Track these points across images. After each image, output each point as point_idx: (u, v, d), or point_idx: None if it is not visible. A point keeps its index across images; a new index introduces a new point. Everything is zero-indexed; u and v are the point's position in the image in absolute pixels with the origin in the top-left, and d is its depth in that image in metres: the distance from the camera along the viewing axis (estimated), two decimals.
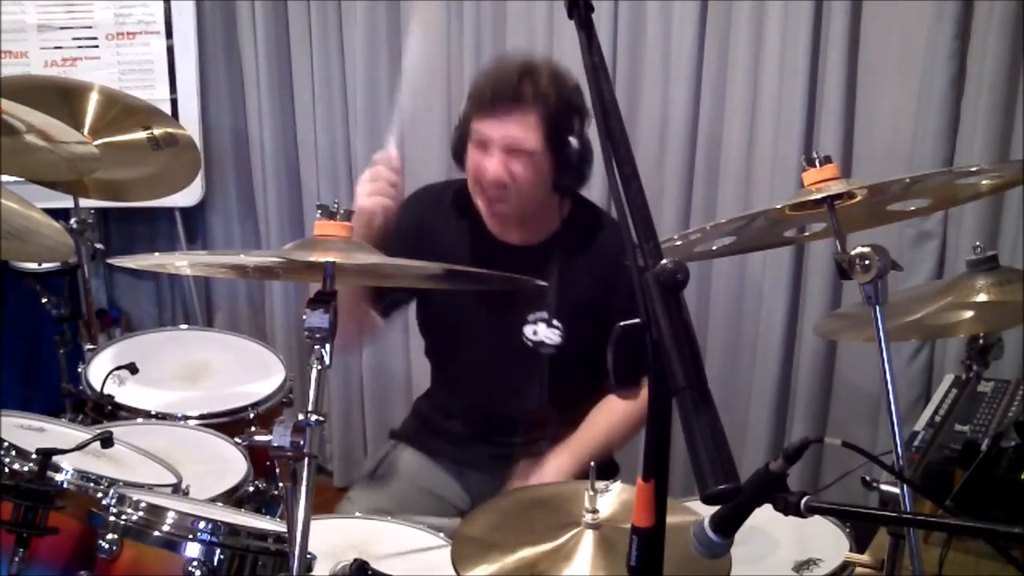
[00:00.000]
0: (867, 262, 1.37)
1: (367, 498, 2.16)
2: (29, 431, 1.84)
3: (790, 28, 2.41)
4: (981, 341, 1.86)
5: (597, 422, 2.11)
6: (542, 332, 2.10)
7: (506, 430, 2.16)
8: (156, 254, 2.09)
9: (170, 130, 2.49)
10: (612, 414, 2.11)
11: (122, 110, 2.46)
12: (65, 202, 2.55)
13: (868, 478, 1.41)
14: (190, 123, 3.15)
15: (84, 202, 2.56)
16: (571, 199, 2.15)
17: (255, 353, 2.52)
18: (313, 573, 1.57)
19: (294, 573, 1.38)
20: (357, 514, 2.01)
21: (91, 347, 2.49)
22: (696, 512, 1.51)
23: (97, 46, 3.18)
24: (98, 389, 2.20)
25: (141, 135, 2.45)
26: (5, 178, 1.92)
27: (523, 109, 1.96)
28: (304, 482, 1.37)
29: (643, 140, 2.65)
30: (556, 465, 2.04)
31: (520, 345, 2.11)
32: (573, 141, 1.99)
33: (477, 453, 2.21)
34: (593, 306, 2.07)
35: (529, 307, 2.10)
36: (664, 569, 0.95)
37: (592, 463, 1.56)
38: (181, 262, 1.95)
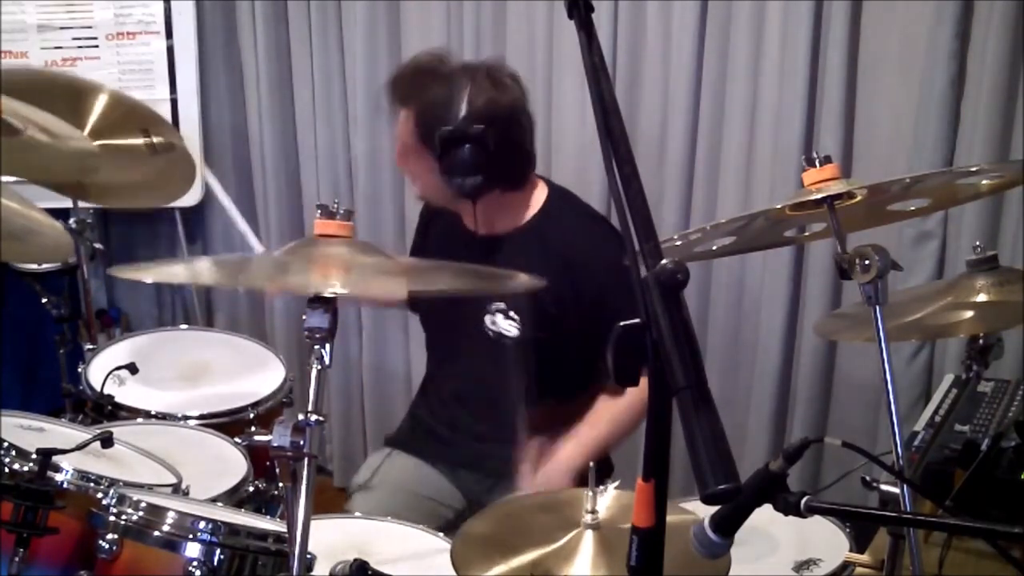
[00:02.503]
0: (867, 262, 1.37)
1: (365, 508, 2.15)
2: (29, 431, 1.84)
3: (790, 28, 2.41)
4: (981, 341, 1.87)
5: (601, 412, 2.10)
6: (500, 323, 2.11)
7: (486, 424, 2.17)
8: (150, 279, 2.12)
9: (171, 139, 2.49)
10: (616, 403, 2.11)
11: (125, 114, 2.46)
12: (65, 202, 2.54)
13: (868, 478, 1.42)
14: (190, 123, 3.15)
15: (83, 202, 2.56)
16: (549, 190, 2.18)
17: (255, 353, 2.52)
18: (313, 573, 1.57)
19: (294, 573, 1.38)
20: (357, 514, 2.02)
21: (91, 347, 2.49)
22: (695, 512, 1.51)
23: (97, 46, 3.18)
24: (98, 389, 2.20)
25: (139, 141, 2.44)
26: (5, 178, 1.92)
27: (404, 103, 2.06)
28: (304, 482, 1.38)
29: (643, 140, 2.64)
30: (565, 456, 2.03)
31: (484, 336, 2.12)
32: (454, 142, 1.99)
33: (467, 452, 2.23)
34: (551, 300, 2.07)
35: (489, 298, 2.12)
36: (664, 569, 0.95)
37: (591, 463, 1.56)
38: (185, 276, 1.97)
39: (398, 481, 2.24)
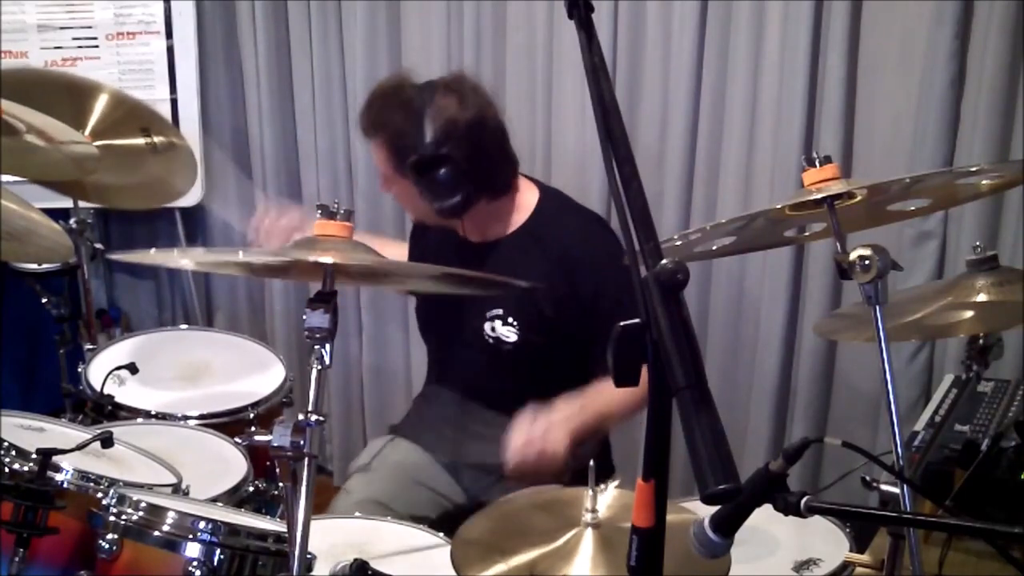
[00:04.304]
0: (867, 262, 1.37)
1: (363, 489, 2.16)
2: (29, 431, 1.84)
3: (790, 28, 2.41)
4: (981, 341, 1.87)
5: (602, 386, 2.06)
6: (499, 329, 2.12)
7: (489, 429, 2.17)
8: (153, 250, 2.11)
9: (172, 139, 2.49)
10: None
11: (126, 114, 2.46)
12: (65, 202, 2.54)
13: (868, 478, 1.42)
14: (190, 123, 3.15)
15: (83, 202, 2.56)
16: (540, 192, 2.18)
17: (255, 353, 2.52)
18: (313, 573, 1.57)
19: (294, 573, 1.38)
20: (357, 514, 2.02)
21: (91, 347, 2.49)
22: (696, 512, 1.51)
23: (97, 46, 3.17)
24: (98, 389, 2.20)
25: (140, 140, 2.45)
26: (5, 178, 1.92)
27: (372, 135, 2.08)
28: (304, 482, 1.38)
29: (643, 140, 2.64)
30: (564, 410, 1.99)
31: (483, 342, 2.13)
32: (427, 167, 1.99)
33: (470, 450, 2.22)
34: (549, 302, 2.07)
35: (487, 304, 2.12)
36: (664, 569, 0.95)
37: (591, 463, 1.56)
38: (184, 260, 1.97)
39: (398, 466, 2.24)
